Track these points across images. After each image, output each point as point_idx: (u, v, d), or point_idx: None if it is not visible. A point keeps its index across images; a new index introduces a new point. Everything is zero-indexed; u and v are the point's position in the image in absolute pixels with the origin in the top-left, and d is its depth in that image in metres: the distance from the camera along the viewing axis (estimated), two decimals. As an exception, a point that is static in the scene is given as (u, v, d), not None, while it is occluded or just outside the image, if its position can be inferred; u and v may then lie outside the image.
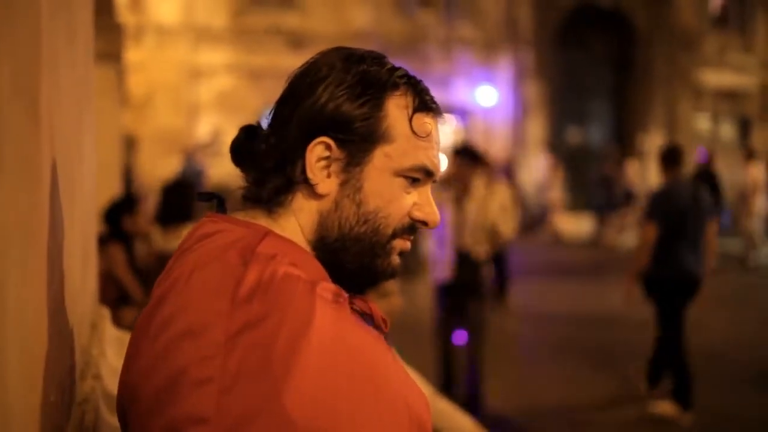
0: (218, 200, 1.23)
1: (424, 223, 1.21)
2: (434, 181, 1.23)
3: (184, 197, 5.87)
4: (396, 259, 1.20)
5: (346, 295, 1.11)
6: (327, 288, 1.06)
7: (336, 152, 1.15)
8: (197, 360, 1.00)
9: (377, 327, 1.17)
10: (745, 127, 23.12)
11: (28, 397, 1.00)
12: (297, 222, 1.17)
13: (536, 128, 20.52)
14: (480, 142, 16.75)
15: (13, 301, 0.89)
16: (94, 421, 1.49)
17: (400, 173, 1.17)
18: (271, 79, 14.16)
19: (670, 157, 5.90)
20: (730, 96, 22.76)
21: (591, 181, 17.89)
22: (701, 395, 5.92)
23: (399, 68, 1.21)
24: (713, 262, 5.96)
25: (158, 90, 16.63)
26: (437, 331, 6.00)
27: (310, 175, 1.15)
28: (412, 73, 1.22)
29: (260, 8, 17.95)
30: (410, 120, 1.17)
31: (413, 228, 1.21)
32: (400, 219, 1.18)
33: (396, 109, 1.16)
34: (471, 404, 5.55)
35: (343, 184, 1.16)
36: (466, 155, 5.85)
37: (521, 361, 7.50)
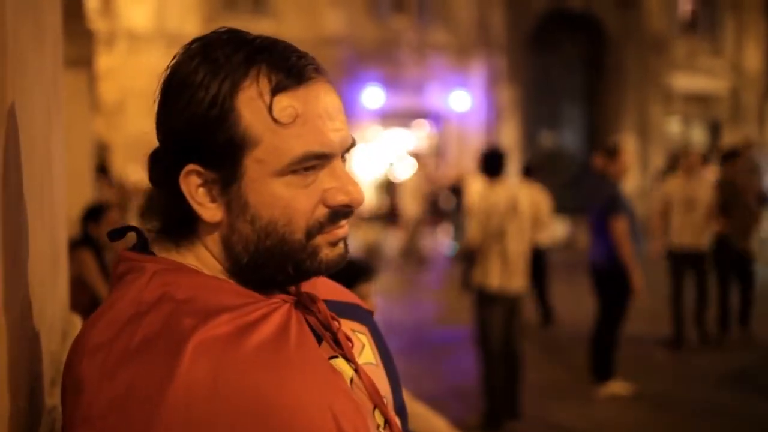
0: (137, 233, 1.12)
1: (347, 206, 1.06)
2: (344, 156, 1.08)
3: None
4: (330, 253, 1.07)
5: (278, 308, 1.04)
6: (220, 323, 0.97)
7: (209, 175, 1.03)
8: (78, 418, 0.95)
9: (337, 342, 1.10)
10: (715, 131, 23.41)
11: (-5, 404, 0.99)
12: (207, 251, 1.08)
13: (510, 132, 20.61)
14: (454, 147, 16.81)
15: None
16: (64, 428, 1.47)
17: (283, 173, 1.02)
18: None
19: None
20: (700, 99, 23.04)
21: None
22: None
23: (253, 41, 1.06)
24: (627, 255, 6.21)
25: (130, 96, 16.49)
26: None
27: (194, 206, 1.04)
28: (272, 37, 1.07)
29: (232, 14, 17.89)
30: (269, 110, 1.01)
31: (337, 215, 1.06)
32: (308, 218, 1.04)
33: (249, 104, 1.01)
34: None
35: (228, 206, 1.04)
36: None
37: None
